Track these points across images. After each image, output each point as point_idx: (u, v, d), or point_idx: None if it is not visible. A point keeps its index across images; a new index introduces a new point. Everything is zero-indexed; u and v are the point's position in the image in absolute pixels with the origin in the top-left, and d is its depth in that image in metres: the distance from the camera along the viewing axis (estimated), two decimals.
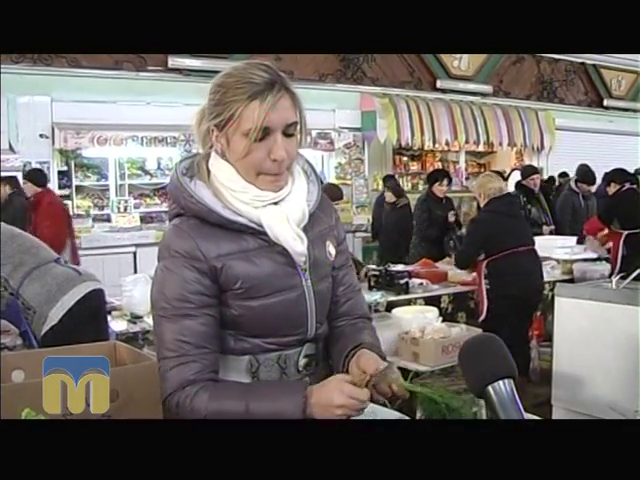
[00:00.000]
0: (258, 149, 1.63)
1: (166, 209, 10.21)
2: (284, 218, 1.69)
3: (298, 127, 1.69)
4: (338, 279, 1.89)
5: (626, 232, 7.02)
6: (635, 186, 7.42)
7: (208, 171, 1.73)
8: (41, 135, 8.87)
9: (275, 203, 1.71)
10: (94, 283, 4.19)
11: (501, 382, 1.21)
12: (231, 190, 1.69)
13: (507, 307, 5.60)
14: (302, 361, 1.77)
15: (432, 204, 7.90)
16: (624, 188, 7.28)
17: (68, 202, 9.35)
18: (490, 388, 1.21)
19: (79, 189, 9.83)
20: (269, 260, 1.70)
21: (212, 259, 1.66)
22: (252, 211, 1.68)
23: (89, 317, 3.98)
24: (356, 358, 1.72)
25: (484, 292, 5.76)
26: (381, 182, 10.80)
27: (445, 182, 8.01)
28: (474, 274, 6.24)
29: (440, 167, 11.94)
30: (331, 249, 1.84)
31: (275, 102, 1.61)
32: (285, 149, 1.64)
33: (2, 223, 4.21)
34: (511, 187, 8.27)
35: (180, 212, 1.72)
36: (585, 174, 8.98)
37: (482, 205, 5.87)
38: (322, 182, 1.92)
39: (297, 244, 1.70)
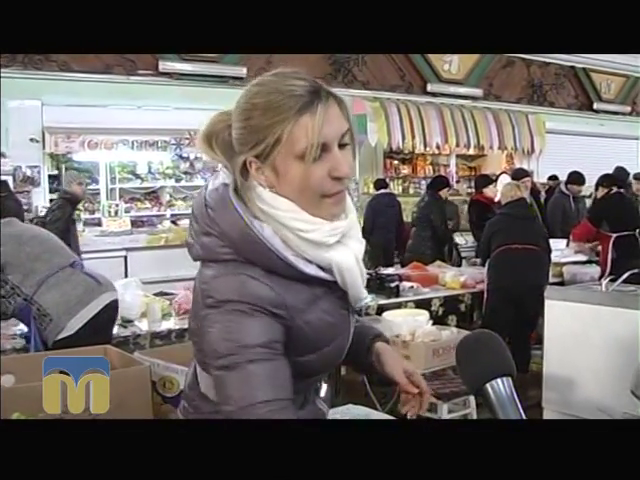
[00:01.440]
0: (317, 169, 1.41)
1: (157, 213, 10.21)
2: (354, 258, 1.52)
3: (351, 134, 1.48)
4: None
5: (615, 235, 7.07)
6: (622, 190, 7.50)
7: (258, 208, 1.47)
8: (31, 139, 8.83)
9: (339, 241, 1.51)
10: (112, 293, 4.24)
11: (499, 380, 1.19)
12: (299, 231, 1.45)
13: (499, 300, 5.94)
14: (322, 387, 1.72)
15: (444, 207, 8.63)
16: (612, 191, 7.35)
17: None
18: (488, 386, 1.19)
19: None
20: (332, 307, 1.54)
21: (294, 315, 1.46)
22: (323, 256, 1.48)
23: (103, 328, 4.01)
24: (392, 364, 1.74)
25: (485, 286, 6.18)
26: (372, 185, 10.82)
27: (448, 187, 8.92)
28: (465, 277, 6.35)
29: (439, 173, 12.38)
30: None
31: (327, 112, 1.41)
32: (346, 164, 1.45)
33: (10, 229, 4.21)
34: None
35: (236, 258, 1.45)
36: (575, 176, 9.13)
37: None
38: None
39: (363, 289, 1.56)
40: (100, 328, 3.93)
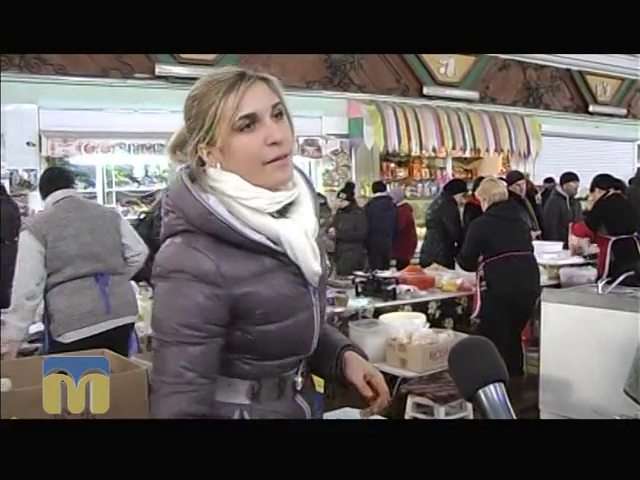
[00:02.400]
0: (253, 138, 1.58)
1: None
2: (302, 232, 1.63)
3: (284, 109, 1.64)
4: None
5: (614, 238, 7.06)
6: (619, 191, 7.47)
7: (210, 186, 1.63)
8: (28, 143, 8.82)
9: (287, 216, 1.65)
10: (122, 320, 4.14)
11: (492, 386, 1.19)
12: (243, 199, 1.60)
13: (501, 309, 5.76)
14: (299, 379, 1.75)
15: (458, 210, 8.52)
16: (609, 194, 7.32)
17: None
18: (481, 392, 1.19)
19: None
20: (285, 281, 1.63)
21: (233, 285, 1.56)
22: (270, 225, 1.60)
23: (103, 346, 3.96)
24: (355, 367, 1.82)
25: (478, 293, 5.96)
26: (368, 188, 10.83)
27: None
28: (461, 280, 6.33)
29: (435, 176, 12.73)
30: (327, 262, 1.84)
31: (249, 86, 1.58)
32: (280, 131, 1.60)
33: (62, 214, 4.13)
34: None
35: (188, 228, 1.60)
36: (568, 176, 9.14)
37: (484, 209, 6.06)
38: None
39: (315, 263, 1.65)
40: (99, 346, 3.88)
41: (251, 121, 1.58)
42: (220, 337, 1.58)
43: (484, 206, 6.06)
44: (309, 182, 1.79)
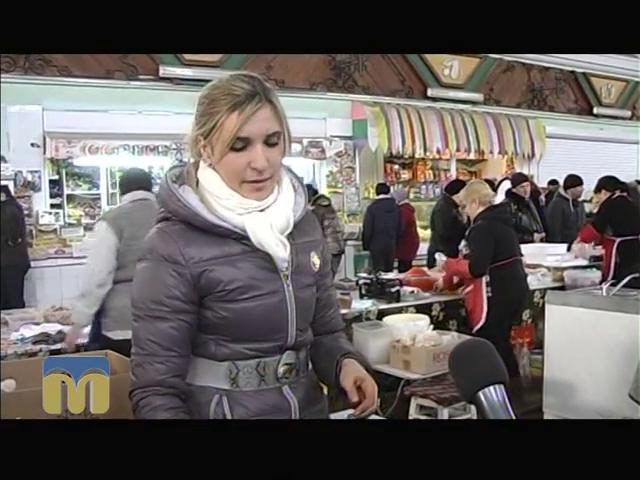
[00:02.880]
0: (240, 158, 1.69)
1: None
2: (267, 225, 1.73)
3: (282, 137, 1.73)
4: (324, 299, 1.96)
5: (619, 239, 7.05)
6: (625, 193, 7.46)
7: (197, 180, 1.77)
8: (32, 144, 8.83)
9: (260, 210, 1.74)
10: None
11: (492, 388, 1.20)
12: (216, 197, 1.73)
13: (505, 313, 5.71)
14: (281, 369, 1.80)
15: (451, 211, 8.25)
16: (615, 195, 7.32)
17: (59, 211, 9.34)
18: (481, 394, 1.20)
19: (70, 198, 9.79)
20: (252, 264, 1.74)
21: (193, 264, 1.70)
22: (236, 217, 1.73)
23: None
24: (344, 371, 1.84)
25: (484, 299, 5.65)
26: (372, 190, 10.83)
27: None
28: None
29: (439, 178, 12.68)
30: (316, 260, 1.89)
31: (253, 113, 1.66)
32: (266, 158, 1.69)
33: (140, 213, 4.08)
34: (501, 196, 8.33)
35: (167, 216, 1.77)
36: (571, 179, 9.11)
37: (477, 211, 5.71)
38: (310, 195, 1.93)
39: (280, 250, 1.74)
40: None
41: (244, 144, 1.68)
42: (186, 314, 1.71)
43: (473, 208, 5.71)
44: (301, 183, 1.91)
